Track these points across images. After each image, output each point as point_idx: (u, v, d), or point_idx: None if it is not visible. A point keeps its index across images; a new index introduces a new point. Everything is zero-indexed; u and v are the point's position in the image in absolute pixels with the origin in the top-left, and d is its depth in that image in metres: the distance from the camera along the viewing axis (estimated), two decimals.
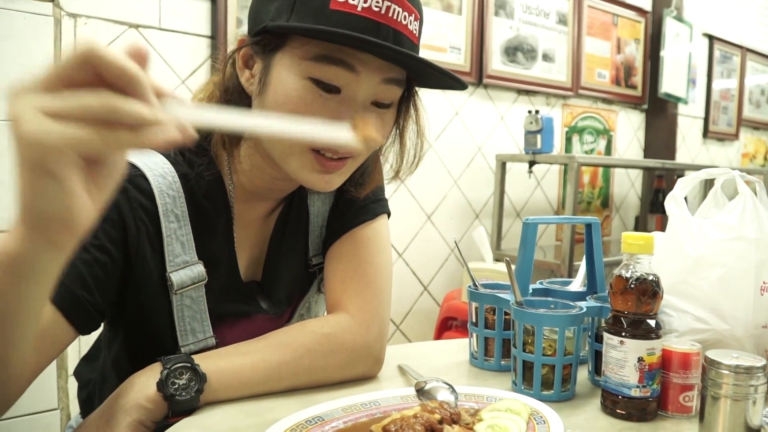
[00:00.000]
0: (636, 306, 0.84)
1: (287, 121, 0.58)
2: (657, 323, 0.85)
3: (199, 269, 0.94)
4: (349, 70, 0.83)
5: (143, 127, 0.47)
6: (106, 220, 0.83)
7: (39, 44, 1.80)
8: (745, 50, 4.80)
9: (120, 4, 1.96)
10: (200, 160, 0.93)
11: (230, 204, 0.98)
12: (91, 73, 0.47)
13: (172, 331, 0.94)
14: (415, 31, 0.88)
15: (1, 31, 1.74)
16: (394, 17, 0.83)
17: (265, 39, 0.86)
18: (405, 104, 0.97)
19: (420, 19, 0.90)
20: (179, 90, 2.03)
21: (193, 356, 0.86)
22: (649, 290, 0.84)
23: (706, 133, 4.51)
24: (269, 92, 0.86)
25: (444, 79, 0.88)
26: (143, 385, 0.82)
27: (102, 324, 0.95)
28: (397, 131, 0.99)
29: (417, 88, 0.98)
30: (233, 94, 0.93)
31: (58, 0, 1.84)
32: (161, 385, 0.80)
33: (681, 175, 3.70)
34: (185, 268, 0.92)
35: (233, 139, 0.95)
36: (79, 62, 0.47)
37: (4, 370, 0.66)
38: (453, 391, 0.86)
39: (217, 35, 2.12)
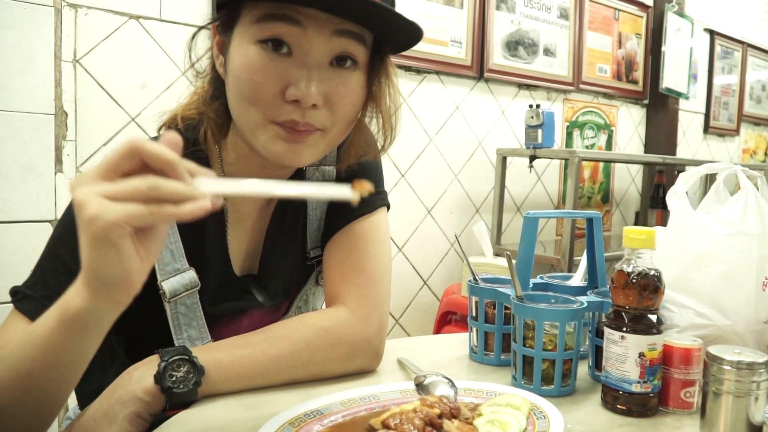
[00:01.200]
0: (637, 301, 0.83)
1: (298, 185, 0.68)
2: (658, 318, 0.84)
3: (191, 275, 0.93)
4: (295, 24, 0.81)
5: (181, 200, 0.58)
6: None
7: (39, 34, 1.80)
8: (747, 46, 4.78)
9: None
10: (190, 157, 0.93)
11: (222, 198, 0.97)
12: (137, 161, 0.59)
13: (168, 339, 0.93)
14: None
15: (1, 21, 1.73)
16: None
17: (222, 15, 0.88)
18: (375, 72, 0.93)
19: None
20: (180, 81, 2.03)
21: (191, 349, 0.85)
22: (650, 285, 0.83)
23: (706, 128, 4.50)
24: (229, 68, 0.87)
25: (401, 29, 0.85)
26: (140, 377, 0.81)
27: None
28: (373, 102, 0.95)
29: (388, 56, 0.94)
30: (216, 87, 0.94)
31: None
32: (159, 378, 0.80)
33: (682, 171, 3.70)
34: (176, 276, 0.92)
35: (221, 130, 0.95)
36: (127, 154, 0.58)
37: (59, 404, 0.74)
38: (452, 385, 0.85)
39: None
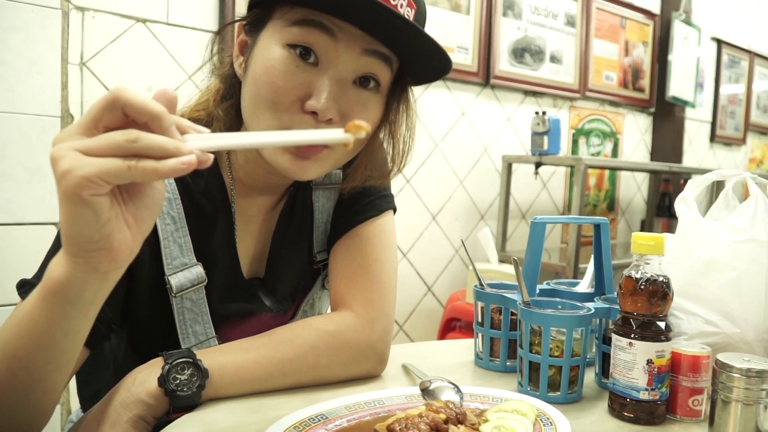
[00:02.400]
0: (646, 307, 0.82)
1: (285, 134, 0.65)
2: (667, 325, 0.83)
3: (198, 271, 0.93)
4: (327, 34, 0.81)
5: (165, 156, 0.54)
6: None
7: (46, 37, 1.80)
8: (753, 55, 4.78)
9: None
10: None
11: (230, 200, 0.98)
12: (120, 114, 0.54)
13: (174, 333, 0.93)
14: (407, 16, 0.84)
15: (9, 23, 1.74)
16: None
17: (254, 14, 0.87)
18: (396, 98, 0.93)
19: (417, 11, 0.86)
20: (186, 85, 2.03)
21: (195, 352, 0.84)
22: (659, 291, 0.82)
23: (713, 137, 4.50)
24: (251, 67, 0.86)
25: (431, 58, 0.85)
26: (144, 380, 0.80)
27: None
28: (388, 127, 0.95)
29: (410, 86, 0.95)
30: (230, 86, 0.94)
31: None
32: (162, 381, 0.79)
33: (688, 179, 3.68)
34: (184, 270, 0.92)
35: (231, 130, 0.95)
36: (108, 105, 0.54)
37: (49, 395, 0.71)
38: (458, 391, 0.85)
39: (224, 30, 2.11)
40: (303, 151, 0.84)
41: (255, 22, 0.88)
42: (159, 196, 0.62)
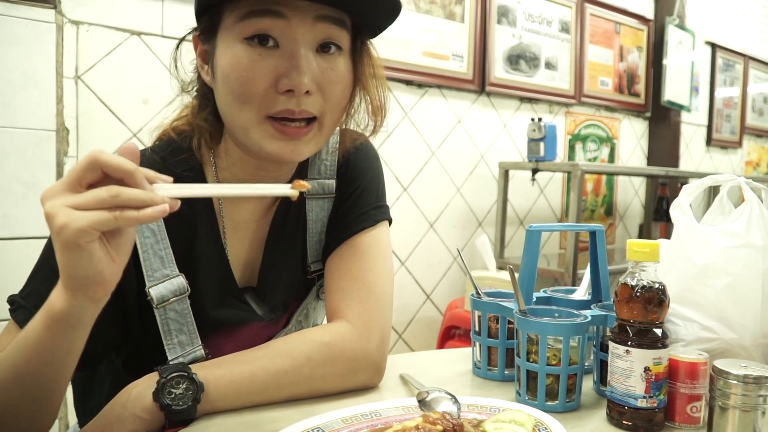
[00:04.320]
0: (642, 314, 0.82)
1: (243, 187, 0.75)
2: (663, 332, 0.83)
3: (180, 281, 0.93)
4: (278, 17, 0.84)
5: (142, 206, 0.64)
6: None
7: (41, 51, 1.80)
8: (748, 58, 4.79)
9: (122, 11, 1.96)
10: (183, 164, 0.95)
11: (216, 206, 0.98)
12: (99, 173, 0.64)
13: (161, 344, 0.93)
14: None
15: (3, 37, 1.74)
16: None
17: (204, 22, 0.90)
18: (359, 55, 0.96)
19: None
20: (181, 97, 2.02)
21: (190, 365, 0.84)
22: (655, 298, 0.82)
23: (709, 140, 4.50)
24: (218, 71, 0.88)
25: (376, 5, 0.88)
26: (139, 395, 0.80)
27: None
28: (360, 84, 0.97)
29: (369, 40, 0.98)
30: (203, 97, 0.97)
31: (60, 7, 1.84)
32: (157, 395, 0.79)
33: (685, 183, 3.68)
34: (165, 282, 0.92)
35: (213, 138, 0.97)
36: (89, 166, 0.64)
37: (57, 400, 0.78)
38: (455, 401, 0.84)
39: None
40: (292, 133, 0.88)
41: (208, 29, 0.90)
42: (132, 230, 0.71)
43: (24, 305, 0.86)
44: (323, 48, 0.88)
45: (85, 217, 0.62)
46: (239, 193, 0.75)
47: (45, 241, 0.89)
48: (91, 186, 0.65)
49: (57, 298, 0.69)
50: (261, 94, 0.85)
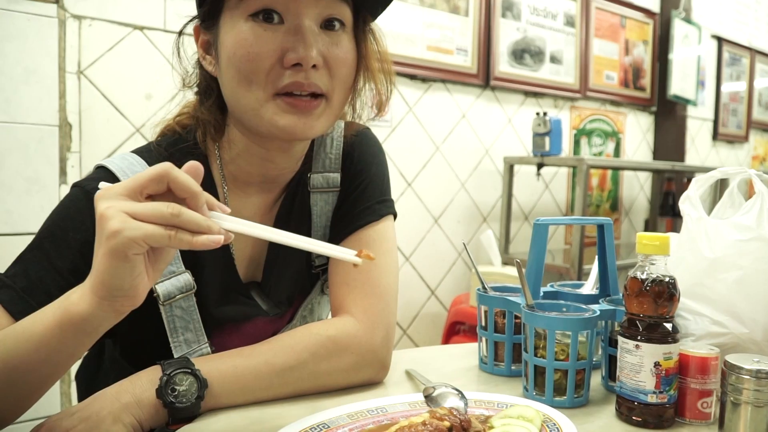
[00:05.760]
0: (652, 309, 0.81)
1: (304, 239, 0.73)
2: (674, 326, 0.82)
3: (186, 278, 0.92)
4: None
5: (198, 232, 0.64)
6: (86, 242, 0.80)
7: (43, 46, 1.80)
8: (754, 52, 4.76)
9: (124, 5, 1.95)
10: (188, 156, 0.92)
11: (222, 198, 0.98)
12: (164, 187, 0.65)
13: (166, 341, 0.92)
14: None
15: (5, 32, 1.73)
16: None
17: (206, 8, 0.90)
18: (362, 34, 0.95)
19: None
20: (183, 92, 2.01)
21: (194, 360, 0.83)
22: (665, 292, 0.81)
23: (715, 135, 4.48)
24: (222, 54, 0.88)
25: None
26: (143, 390, 0.79)
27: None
28: (363, 63, 0.97)
29: (371, 19, 0.97)
30: (206, 88, 0.97)
31: (62, 1, 1.83)
32: (160, 392, 0.78)
33: (691, 178, 3.66)
34: (171, 278, 0.91)
35: (217, 130, 0.97)
36: (156, 178, 0.64)
37: (28, 402, 0.76)
38: (462, 397, 0.83)
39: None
40: (301, 106, 0.87)
41: (210, 16, 0.90)
42: (173, 250, 0.71)
43: (10, 285, 0.81)
44: (327, 25, 0.88)
45: (140, 228, 0.62)
46: (299, 245, 0.72)
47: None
48: (150, 198, 0.65)
49: (80, 301, 0.67)
50: (267, 70, 0.85)
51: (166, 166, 0.64)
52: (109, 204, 0.63)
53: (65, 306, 0.68)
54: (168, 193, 0.65)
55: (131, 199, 0.64)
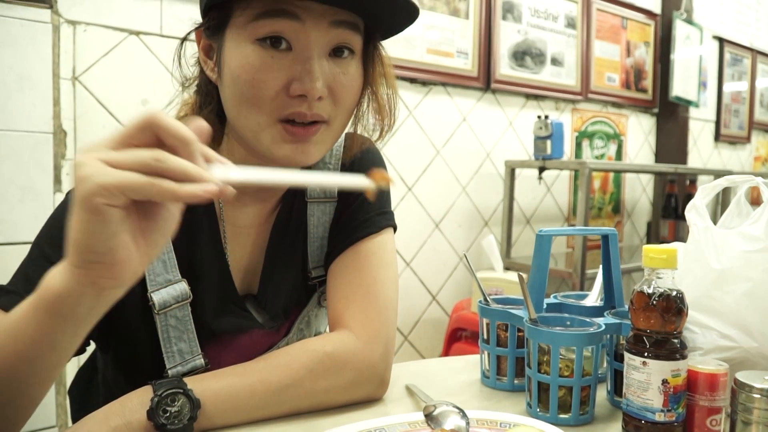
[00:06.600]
0: (660, 324, 0.78)
1: (312, 174, 0.66)
2: (682, 342, 0.79)
3: (182, 287, 0.90)
4: (293, 19, 0.81)
5: (187, 180, 0.55)
6: None
7: (37, 51, 1.77)
8: (756, 53, 4.73)
9: (120, 10, 1.92)
10: None
11: (217, 209, 0.95)
12: (151, 135, 0.56)
13: (159, 352, 0.89)
14: None
15: None
16: None
17: (211, 18, 0.86)
18: (370, 59, 0.93)
19: None
20: (181, 97, 1.99)
21: (187, 379, 0.81)
22: (673, 307, 0.78)
23: (717, 136, 4.45)
24: (226, 70, 0.85)
25: (397, 12, 0.85)
26: (135, 411, 0.76)
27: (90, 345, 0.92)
28: (369, 88, 0.95)
29: (380, 42, 0.95)
30: (206, 94, 0.93)
31: (56, 7, 1.80)
32: (151, 414, 0.75)
33: (693, 180, 3.63)
34: (167, 287, 0.89)
35: (215, 138, 0.93)
36: (142, 126, 0.56)
37: (25, 409, 0.71)
38: (464, 416, 0.80)
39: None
40: (300, 134, 0.84)
41: (215, 26, 0.87)
42: (173, 221, 0.62)
43: (11, 290, 0.80)
44: (336, 52, 0.86)
45: (113, 174, 0.53)
46: (310, 182, 0.66)
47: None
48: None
49: (53, 276, 0.60)
50: (272, 98, 0.83)
51: (152, 111, 0.56)
52: (86, 155, 0.55)
53: (40, 287, 0.62)
54: (158, 145, 0.57)
55: (116, 150, 0.56)
